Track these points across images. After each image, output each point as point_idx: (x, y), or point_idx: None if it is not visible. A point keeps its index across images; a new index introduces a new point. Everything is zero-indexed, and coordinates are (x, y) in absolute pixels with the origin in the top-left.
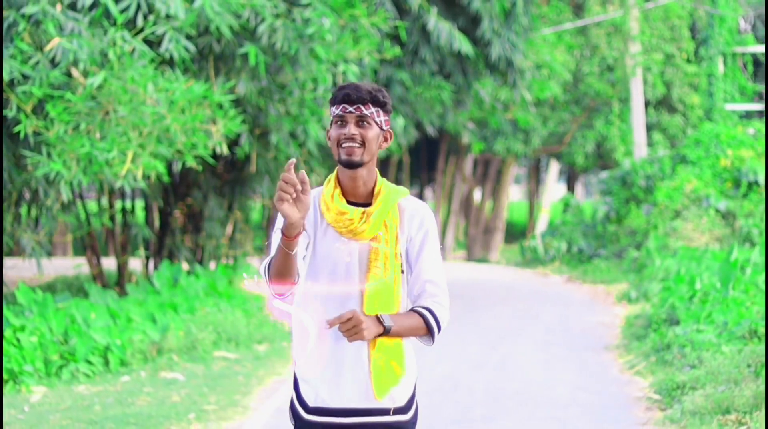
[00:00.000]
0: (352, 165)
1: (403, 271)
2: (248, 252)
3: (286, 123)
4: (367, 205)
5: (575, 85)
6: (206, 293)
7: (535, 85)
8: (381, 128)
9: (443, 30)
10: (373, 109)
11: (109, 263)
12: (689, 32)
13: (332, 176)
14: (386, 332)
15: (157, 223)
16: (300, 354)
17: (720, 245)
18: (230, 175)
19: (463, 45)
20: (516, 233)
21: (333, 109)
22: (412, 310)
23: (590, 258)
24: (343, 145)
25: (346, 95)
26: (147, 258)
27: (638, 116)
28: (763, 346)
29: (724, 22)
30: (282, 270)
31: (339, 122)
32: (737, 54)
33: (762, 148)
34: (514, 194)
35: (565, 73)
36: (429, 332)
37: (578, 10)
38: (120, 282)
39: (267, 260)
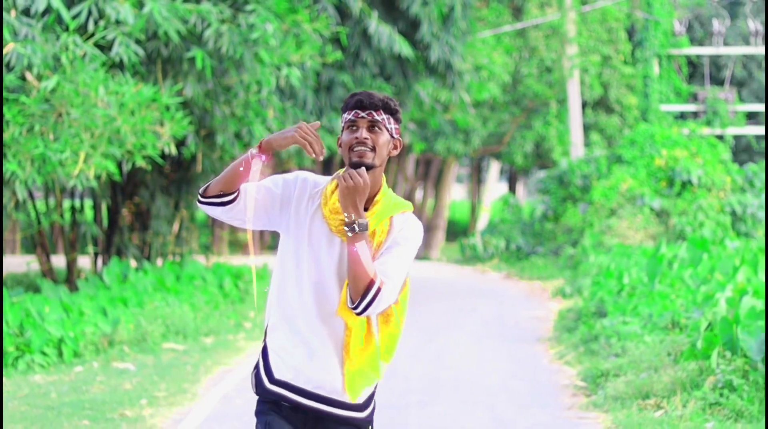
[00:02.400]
0: (362, 166)
1: None
2: (194, 249)
3: (232, 124)
4: (365, 209)
5: (514, 87)
6: (154, 288)
7: (474, 86)
8: (392, 135)
9: (384, 33)
10: (384, 116)
11: (57, 261)
12: (626, 34)
13: (340, 172)
14: (360, 227)
15: (105, 221)
16: (277, 325)
17: (654, 243)
18: (177, 174)
19: (403, 48)
20: (458, 232)
21: (345, 115)
22: None
23: (528, 255)
24: (355, 149)
25: (358, 101)
26: (95, 255)
27: (575, 117)
28: (683, 336)
29: (659, 25)
30: (229, 177)
31: (351, 127)
32: (672, 56)
33: (696, 148)
34: (457, 193)
35: (504, 75)
36: (366, 290)
37: (517, 13)
38: (69, 279)
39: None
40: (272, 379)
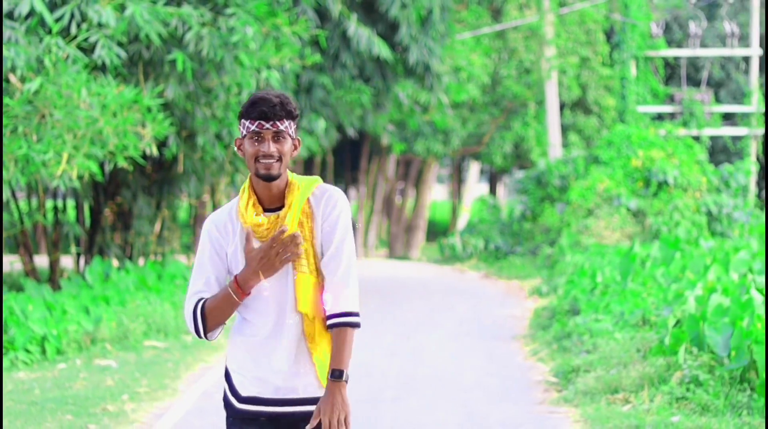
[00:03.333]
0: (270, 178)
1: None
2: (175, 249)
3: (212, 125)
4: (280, 207)
5: (493, 88)
6: (136, 287)
7: (453, 88)
8: (292, 138)
9: (363, 36)
10: (287, 123)
11: (39, 260)
12: (604, 36)
13: (246, 186)
14: (345, 376)
15: (87, 221)
16: (235, 347)
17: (631, 242)
18: (158, 174)
19: (382, 50)
20: (439, 232)
21: (248, 124)
22: (331, 326)
23: (506, 255)
24: (261, 161)
25: (261, 112)
26: (78, 255)
27: (553, 118)
28: (652, 333)
29: (636, 27)
30: (225, 317)
31: (255, 138)
32: (649, 58)
33: (672, 149)
34: (438, 194)
35: (483, 76)
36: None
37: (496, 15)
38: (52, 278)
39: (194, 303)
40: (240, 398)
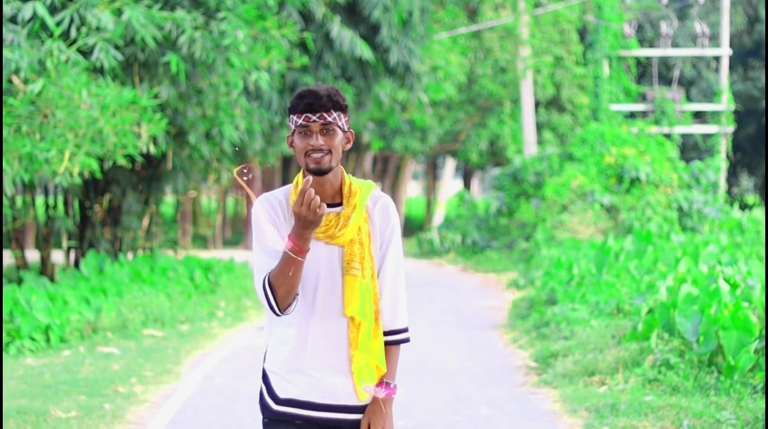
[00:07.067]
0: (321, 172)
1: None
2: (163, 244)
3: (202, 124)
4: (336, 204)
5: (469, 87)
6: (131, 280)
7: (431, 87)
8: (344, 131)
9: (346, 37)
10: (335, 115)
11: (29, 255)
12: (578, 36)
13: (298, 178)
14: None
15: (77, 217)
16: (275, 349)
17: (604, 237)
18: (147, 171)
19: (364, 51)
20: (414, 227)
21: (295, 118)
22: (389, 342)
23: (483, 249)
24: (311, 155)
25: (308, 105)
26: (70, 249)
27: (528, 116)
28: (626, 320)
29: (609, 28)
30: (290, 281)
31: (303, 132)
32: (622, 57)
33: (644, 146)
34: (413, 190)
35: (459, 75)
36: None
37: (473, 15)
38: (44, 272)
39: (263, 281)
40: (278, 400)
